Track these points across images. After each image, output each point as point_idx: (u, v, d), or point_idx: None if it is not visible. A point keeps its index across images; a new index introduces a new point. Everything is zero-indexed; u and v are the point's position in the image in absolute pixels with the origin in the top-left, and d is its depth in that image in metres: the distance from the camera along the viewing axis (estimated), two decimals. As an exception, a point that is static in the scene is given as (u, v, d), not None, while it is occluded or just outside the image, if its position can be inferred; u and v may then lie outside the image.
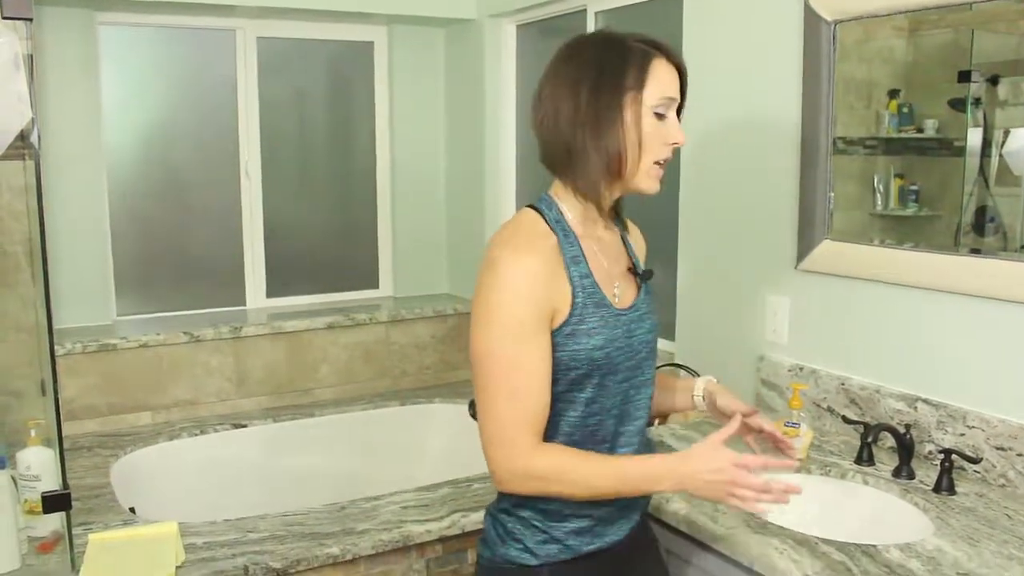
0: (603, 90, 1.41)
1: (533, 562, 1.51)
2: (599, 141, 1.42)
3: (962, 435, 1.97)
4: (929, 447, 2.05)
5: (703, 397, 1.73)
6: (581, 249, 1.49)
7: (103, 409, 3.10)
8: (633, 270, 1.60)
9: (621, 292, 1.54)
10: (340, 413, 3.43)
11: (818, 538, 1.68)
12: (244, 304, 3.69)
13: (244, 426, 3.24)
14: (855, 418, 2.19)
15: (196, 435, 3.14)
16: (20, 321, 2.75)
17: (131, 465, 2.91)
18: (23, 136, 1.94)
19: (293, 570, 2.20)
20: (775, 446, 1.63)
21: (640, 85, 1.41)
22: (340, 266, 3.95)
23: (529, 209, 1.52)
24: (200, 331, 3.24)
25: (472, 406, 2.80)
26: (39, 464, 2.18)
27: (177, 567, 2.12)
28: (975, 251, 1.96)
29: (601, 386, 1.47)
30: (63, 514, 2.11)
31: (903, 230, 2.17)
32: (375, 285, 4.00)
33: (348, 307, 3.73)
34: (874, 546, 1.64)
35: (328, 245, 3.92)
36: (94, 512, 2.43)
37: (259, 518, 2.41)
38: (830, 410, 2.28)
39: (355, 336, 3.59)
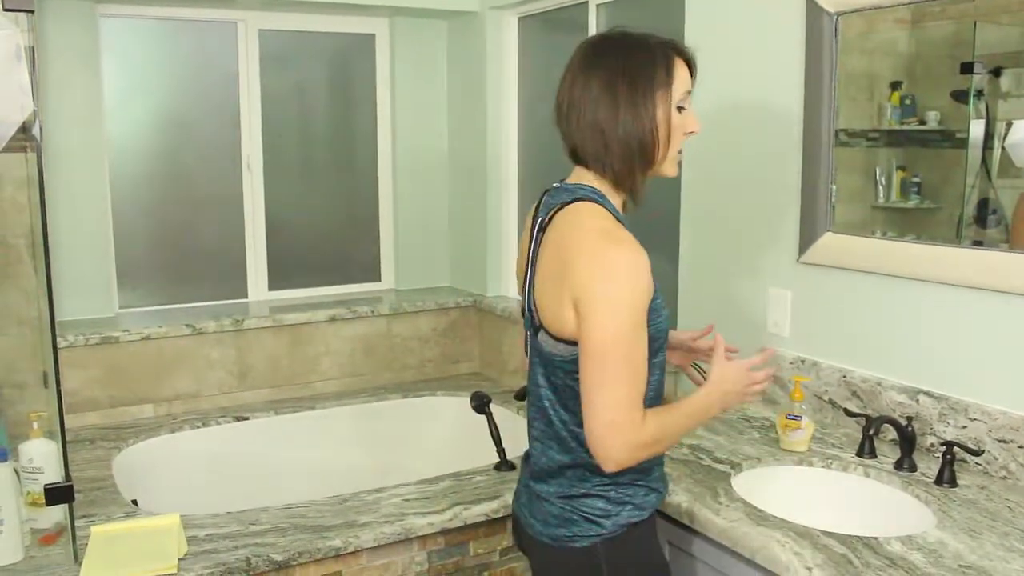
0: (639, 89, 1.54)
1: (644, 516, 1.64)
2: (639, 135, 1.55)
3: (964, 427, 1.97)
4: (931, 439, 2.05)
5: None
6: None
7: (105, 402, 3.10)
8: None
9: None
10: (342, 406, 3.44)
11: (819, 530, 1.68)
12: (246, 297, 3.69)
13: (246, 419, 3.24)
14: (857, 411, 2.18)
15: (198, 428, 3.15)
16: (22, 314, 2.76)
17: (133, 457, 2.92)
18: (25, 128, 1.94)
19: (295, 562, 2.21)
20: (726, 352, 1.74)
21: (668, 83, 1.55)
22: (342, 259, 3.95)
23: (591, 202, 1.59)
24: (202, 324, 3.24)
25: (474, 398, 2.79)
26: (41, 456, 2.19)
27: (179, 559, 2.13)
28: (977, 243, 1.96)
29: (662, 350, 1.65)
30: (66, 506, 2.11)
31: (905, 222, 2.17)
32: (377, 278, 4.00)
33: (350, 300, 3.73)
34: (875, 538, 1.64)
35: (330, 238, 3.92)
36: (96, 504, 2.43)
37: (261, 510, 2.41)
38: (832, 403, 2.28)
39: (357, 329, 3.59)
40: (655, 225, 2.99)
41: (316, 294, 3.81)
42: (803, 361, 2.35)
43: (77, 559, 2.10)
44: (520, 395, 2.76)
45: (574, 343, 1.53)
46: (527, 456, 1.77)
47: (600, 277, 1.48)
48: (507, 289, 3.81)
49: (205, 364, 3.28)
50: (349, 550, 2.28)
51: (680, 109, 1.58)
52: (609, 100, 1.55)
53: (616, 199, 1.63)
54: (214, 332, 3.27)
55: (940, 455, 1.91)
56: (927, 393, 2.05)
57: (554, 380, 1.62)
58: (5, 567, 2.07)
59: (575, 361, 1.54)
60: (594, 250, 1.50)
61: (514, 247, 3.79)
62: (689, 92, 1.60)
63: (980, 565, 1.53)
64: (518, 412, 3.13)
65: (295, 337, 3.45)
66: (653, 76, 1.55)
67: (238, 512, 2.40)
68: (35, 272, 2.66)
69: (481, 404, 2.76)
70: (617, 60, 1.56)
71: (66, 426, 2.11)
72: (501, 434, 2.70)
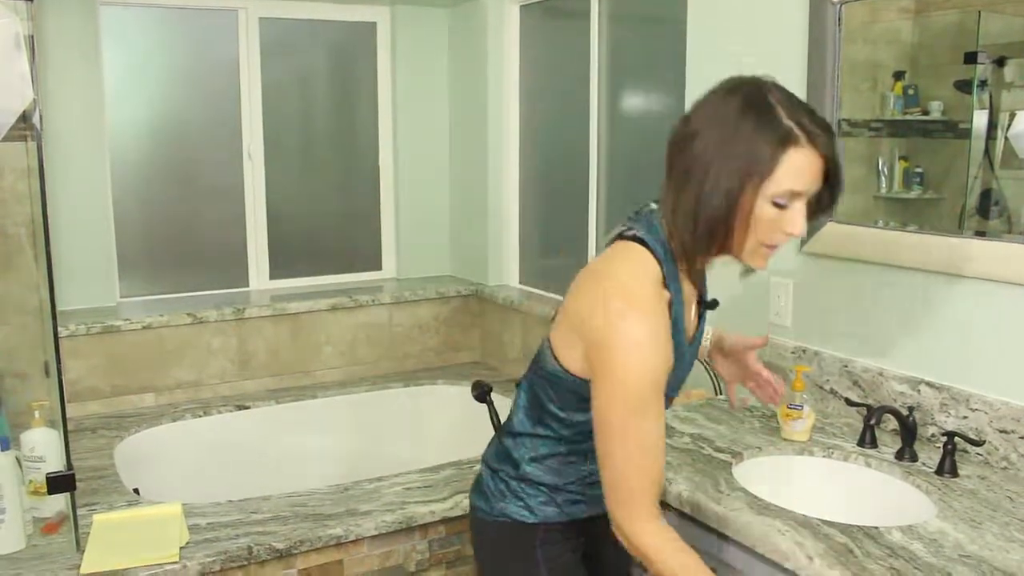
0: (730, 159, 1.31)
1: (531, 520, 1.61)
2: (708, 214, 1.34)
3: (965, 418, 1.97)
4: (932, 429, 2.05)
5: (709, 342, 1.81)
6: (682, 297, 1.49)
7: (107, 391, 3.11)
8: (701, 299, 1.61)
9: (690, 324, 1.57)
10: (343, 395, 3.44)
11: (820, 520, 1.68)
12: (247, 286, 3.69)
13: (247, 407, 3.25)
14: (858, 400, 2.18)
15: (200, 416, 3.15)
16: (23, 303, 2.76)
17: (135, 446, 2.92)
18: (25, 117, 1.94)
19: (296, 551, 2.21)
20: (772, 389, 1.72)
21: (766, 174, 1.30)
22: (343, 248, 3.95)
23: (638, 246, 1.45)
24: (203, 313, 3.25)
25: (475, 387, 2.80)
26: (43, 445, 2.19)
27: (181, 547, 2.13)
28: (980, 234, 1.95)
29: None
30: (68, 495, 2.11)
31: (907, 213, 2.16)
32: (378, 267, 4.00)
33: (351, 289, 3.73)
34: (876, 528, 1.64)
35: (331, 227, 3.92)
36: (98, 493, 2.44)
37: (262, 499, 2.42)
38: (833, 392, 2.28)
39: (358, 318, 3.59)
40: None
41: (317, 283, 3.82)
42: (804, 351, 2.35)
43: (79, 547, 2.10)
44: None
45: (572, 375, 1.49)
46: None
47: (606, 345, 1.37)
48: (508, 278, 3.80)
49: (206, 353, 3.28)
50: (350, 539, 2.29)
51: (778, 206, 1.32)
52: (694, 157, 1.34)
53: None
54: (215, 321, 3.28)
55: (941, 445, 1.91)
56: (928, 383, 2.05)
57: (533, 383, 1.62)
58: (8, 555, 2.08)
59: (559, 384, 1.52)
60: (609, 313, 1.36)
61: (515, 235, 3.79)
62: (799, 193, 1.32)
63: (980, 555, 1.53)
64: (519, 401, 3.13)
65: (296, 326, 3.45)
66: (753, 153, 1.29)
67: (239, 501, 2.40)
68: (36, 261, 2.66)
69: (482, 393, 2.77)
70: (728, 120, 1.32)
71: (68, 415, 2.11)
72: (502, 423, 2.70)
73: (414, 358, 3.74)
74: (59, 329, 2.14)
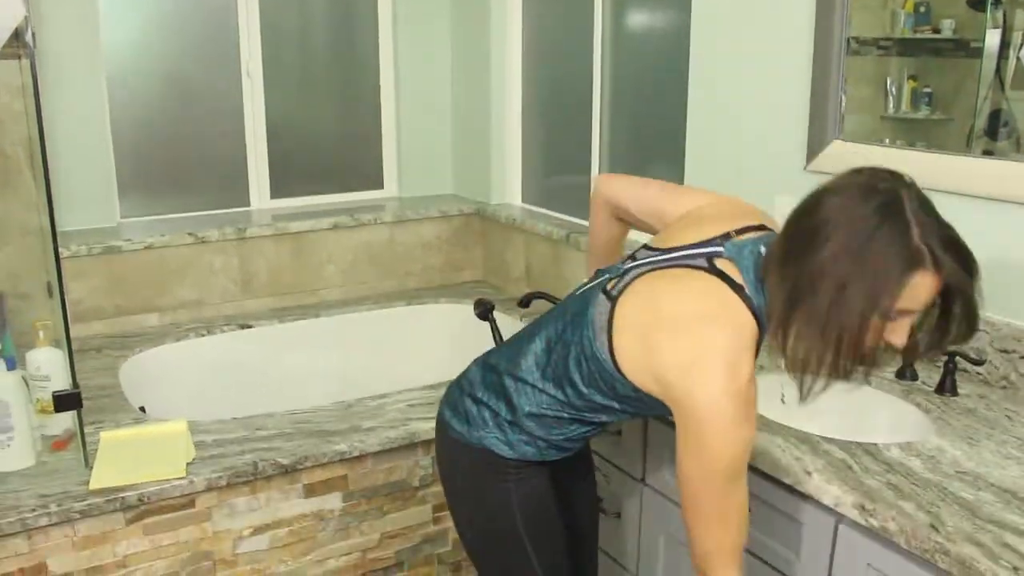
0: (863, 286, 1.22)
1: (507, 454, 1.62)
2: (836, 331, 1.25)
3: (966, 337, 1.98)
4: (932, 349, 2.05)
5: None
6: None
7: (110, 311, 3.12)
8: None
9: None
10: (345, 313, 3.45)
11: (820, 436, 1.71)
12: (248, 205, 3.67)
13: (250, 327, 3.26)
14: (859, 320, 2.19)
15: (203, 336, 3.17)
16: (25, 224, 2.75)
17: (140, 366, 2.95)
18: (17, 34, 1.91)
19: (301, 466, 2.25)
20: None
21: (895, 297, 1.22)
22: (344, 167, 3.91)
23: (739, 300, 1.36)
24: (204, 232, 3.23)
25: (478, 305, 2.80)
26: (49, 364, 2.21)
27: (187, 463, 2.16)
28: (988, 153, 1.93)
29: (636, 416, 1.64)
30: (75, 413, 2.14)
31: (914, 133, 2.14)
32: (379, 186, 3.96)
33: (353, 208, 3.71)
34: (875, 445, 1.66)
35: (332, 145, 3.87)
36: (105, 411, 2.46)
37: (267, 416, 2.44)
38: (834, 312, 2.28)
39: (360, 237, 3.58)
40: (661, 126, 2.96)
41: (319, 202, 3.79)
42: (807, 271, 2.34)
43: (88, 464, 2.14)
44: (524, 302, 2.77)
45: (623, 376, 1.45)
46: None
47: (704, 420, 1.31)
48: (510, 197, 3.78)
49: (208, 272, 3.28)
50: (354, 454, 2.32)
51: (887, 319, 1.25)
52: (825, 265, 1.23)
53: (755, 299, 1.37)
54: (217, 241, 3.27)
55: (941, 364, 1.92)
56: (930, 303, 2.05)
57: (562, 341, 1.55)
58: (19, 471, 2.11)
59: (599, 370, 1.48)
60: (707, 387, 1.30)
61: (518, 153, 3.76)
62: (913, 311, 1.26)
63: (977, 471, 1.56)
64: (521, 319, 3.15)
65: (298, 245, 3.44)
66: (884, 273, 1.21)
67: (244, 418, 2.43)
68: (35, 182, 2.64)
69: (485, 311, 2.78)
70: (862, 220, 1.22)
71: (72, 335, 2.12)
72: (504, 340, 2.72)
73: (416, 277, 3.74)
74: (60, 250, 2.13)
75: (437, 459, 1.78)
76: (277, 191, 3.71)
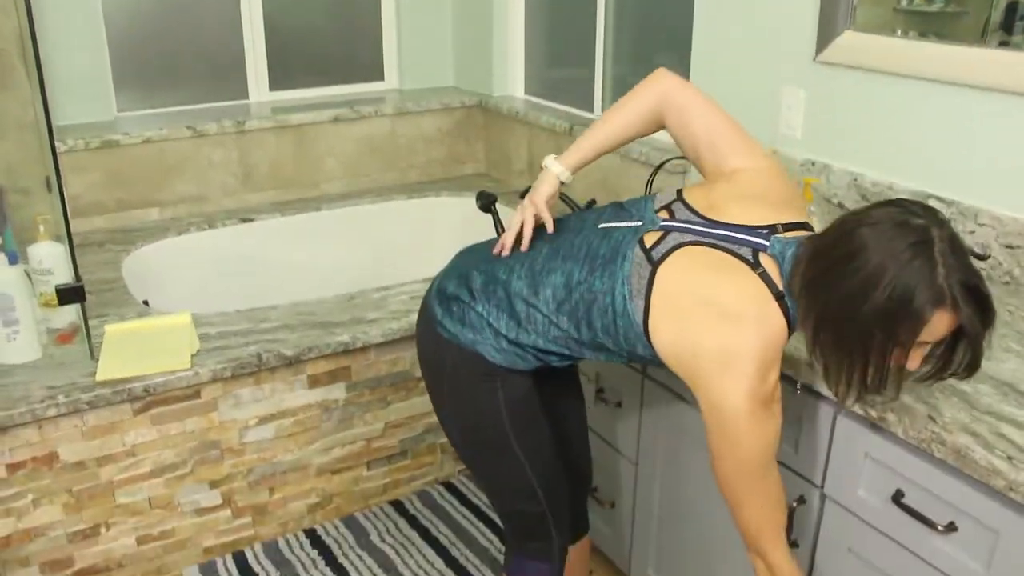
0: (876, 325, 1.26)
1: (496, 360, 1.61)
2: (836, 357, 1.33)
3: (972, 232, 1.97)
4: (937, 243, 2.04)
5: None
6: None
7: (111, 205, 3.10)
8: None
9: None
10: (347, 206, 3.44)
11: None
12: (246, 98, 3.61)
13: (251, 220, 3.25)
14: (864, 214, 2.17)
15: (204, 230, 3.16)
16: (21, 119, 2.71)
17: (142, 260, 2.95)
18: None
19: (305, 357, 2.27)
20: None
21: (908, 342, 1.28)
22: (344, 58, 3.83)
23: (776, 304, 1.39)
24: (203, 126, 3.19)
25: (480, 198, 2.78)
26: (51, 258, 2.21)
27: (192, 355, 2.18)
28: (1003, 44, 1.88)
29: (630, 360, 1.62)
30: (79, 307, 2.15)
31: (928, 26, 2.07)
32: (380, 77, 3.89)
33: (353, 100, 3.65)
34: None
35: (331, 36, 3.79)
36: (109, 305, 2.48)
37: (270, 308, 2.46)
38: (841, 206, 2.26)
39: (361, 129, 3.53)
40: (668, 13, 2.88)
41: (318, 94, 3.73)
42: (814, 163, 2.31)
43: (93, 356, 2.16)
44: (525, 195, 2.74)
45: (651, 345, 1.46)
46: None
47: (735, 421, 1.36)
48: (513, 89, 3.72)
49: (208, 166, 3.25)
50: (357, 346, 2.34)
51: (906, 348, 1.30)
52: (843, 296, 1.29)
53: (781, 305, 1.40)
54: (215, 134, 3.23)
55: (945, 258, 1.91)
56: (937, 198, 2.03)
57: (590, 290, 1.51)
58: (25, 364, 2.14)
59: (625, 328, 1.48)
60: (738, 390, 1.34)
61: (521, 44, 3.68)
62: (928, 343, 1.30)
63: (976, 365, 1.56)
64: (524, 214, 3.13)
65: (298, 138, 3.40)
66: (895, 329, 1.26)
67: (248, 310, 2.44)
68: (28, 76, 2.59)
69: (487, 203, 2.75)
70: (896, 252, 1.25)
71: (73, 230, 2.12)
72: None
73: (418, 169, 3.71)
74: (58, 144, 2.11)
75: (419, 349, 1.75)
76: (276, 83, 3.65)
